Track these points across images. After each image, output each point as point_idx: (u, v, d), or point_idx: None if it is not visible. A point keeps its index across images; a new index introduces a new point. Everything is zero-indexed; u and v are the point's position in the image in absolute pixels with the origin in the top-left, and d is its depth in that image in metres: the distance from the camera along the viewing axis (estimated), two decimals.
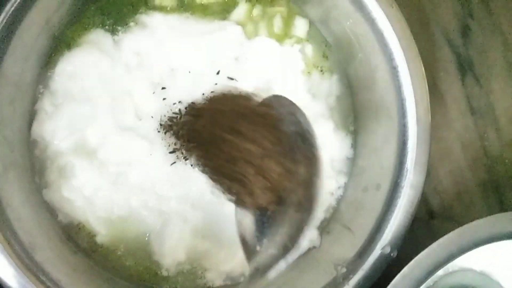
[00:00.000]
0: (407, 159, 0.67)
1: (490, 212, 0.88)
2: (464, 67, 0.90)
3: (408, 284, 0.63)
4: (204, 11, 0.77)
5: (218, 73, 0.75)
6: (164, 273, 0.75)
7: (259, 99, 0.58)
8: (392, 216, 0.67)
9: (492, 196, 0.89)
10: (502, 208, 0.89)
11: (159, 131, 0.71)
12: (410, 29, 0.69)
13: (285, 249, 0.56)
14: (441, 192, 0.89)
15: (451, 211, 0.89)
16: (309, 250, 0.77)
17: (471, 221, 0.66)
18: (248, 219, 0.58)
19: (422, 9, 0.89)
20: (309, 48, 0.79)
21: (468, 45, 0.90)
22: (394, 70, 0.68)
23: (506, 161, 0.90)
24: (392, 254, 0.67)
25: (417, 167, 0.67)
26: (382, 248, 0.67)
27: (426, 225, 0.90)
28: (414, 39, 0.69)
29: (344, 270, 0.68)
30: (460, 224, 0.66)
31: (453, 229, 0.66)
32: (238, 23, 0.77)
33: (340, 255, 0.71)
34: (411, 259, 0.65)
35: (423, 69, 0.68)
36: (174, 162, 0.72)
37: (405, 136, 0.68)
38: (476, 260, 0.68)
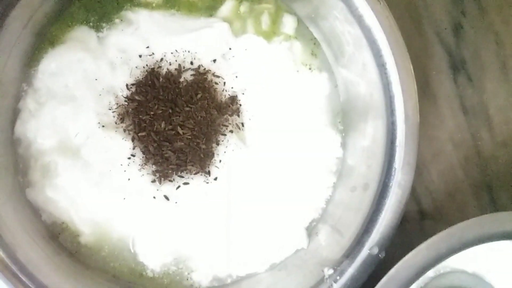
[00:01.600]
0: (395, 158, 0.66)
1: (483, 212, 0.88)
2: (457, 65, 0.89)
3: (395, 286, 0.62)
4: (191, 8, 0.76)
5: (204, 70, 0.74)
6: (150, 274, 0.74)
7: None
8: (380, 216, 0.66)
9: (484, 196, 0.88)
10: (495, 208, 0.88)
11: None
12: (402, 27, 0.68)
13: None
14: (433, 192, 0.88)
15: (443, 211, 0.88)
16: (297, 251, 0.76)
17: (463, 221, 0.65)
18: None
19: (413, 7, 0.88)
20: (297, 46, 0.78)
21: (461, 43, 0.89)
22: (382, 67, 0.67)
23: (499, 160, 0.89)
24: (380, 255, 0.66)
25: (406, 166, 0.66)
26: (370, 249, 0.66)
27: (418, 225, 0.89)
28: (405, 37, 0.68)
29: (332, 271, 0.68)
30: (452, 224, 0.65)
31: (445, 229, 0.65)
32: (225, 20, 0.76)
33: (327, 256, 0.70)
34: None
35: (411, 66, 0.67)
36: (154, 181, 0.72)
37: (393, 135, 0.67)
38: (468, 261, 0.67)
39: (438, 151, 0.88)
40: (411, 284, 0.63)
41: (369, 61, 0.69)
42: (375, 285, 0.63)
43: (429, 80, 0.88)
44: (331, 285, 0.67)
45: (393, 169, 0.66)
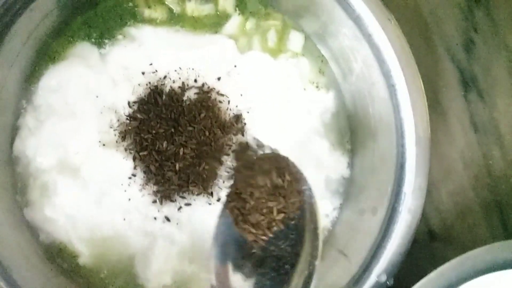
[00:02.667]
0: (405, 183, 0.64)
1: (493, 234, 0.85)
2: (467, 82, 0.87)
3: None
4: (195, 24, 0.75)
5: (208, 88, 0.73)
6: None
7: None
8: (389, 242, 0.64)
9: (495, 217, 0.86)
10: (506, 230, 0.86)
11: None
12: (412, 42, 0.66)
13: None
14: (443, 212, 0.86)
15: (453, 232, 0.86)
16: None
17: (474, 243, 0.64)
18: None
19: (424, 23, 0.86)
20: (304, 63, 0.76)
21: (472, 60, 0.87)
22: (392, 88, 0.65)
23: (510, 180, 0.87)
24: (388, 283, 0.64)
25: (416, 191, 0.64)
26: (378, 276, 0.64)
27: (427, 247, 0.86)
28: (415, 53, 0.66)
29: None
30: (462, 246, 0.63)
31: (455, 252, 0.63)
32: (231, 37, 0.75)
33: (333, 282, 0.67)
34: (411, 284, 0.62)
35: (422, 87, 0.65)
36: (155, 201, 0.70)
37: (403, 158, 0.65)
38: None
39: (448, 170, 0.86)
40: None
41: (379, 80, 0.67)
42: None
43: (439, 96, 0.86)
44: None
45: (403, 194, 0.64)
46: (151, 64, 0.72)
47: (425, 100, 0.64)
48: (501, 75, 0.87)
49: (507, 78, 0.87)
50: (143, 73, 0.72)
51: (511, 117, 0.87)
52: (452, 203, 0.86)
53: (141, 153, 0.69)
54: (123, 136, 0.71)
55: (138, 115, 0.70)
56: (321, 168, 0.75)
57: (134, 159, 0.70)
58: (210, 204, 0.71)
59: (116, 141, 0.71)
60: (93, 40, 0.73)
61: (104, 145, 0.70)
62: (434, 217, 0.86)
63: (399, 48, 0.64)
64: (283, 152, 0.73)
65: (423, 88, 0.65)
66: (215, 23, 0.75)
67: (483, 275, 0.62)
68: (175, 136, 0.69)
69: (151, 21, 0.74)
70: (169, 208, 0.71)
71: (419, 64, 0.66)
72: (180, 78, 0.72)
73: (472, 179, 0.86)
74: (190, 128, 0.69)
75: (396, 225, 0.64)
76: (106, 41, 0.73)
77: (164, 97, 0.71)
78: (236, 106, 0.73)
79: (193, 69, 0.73)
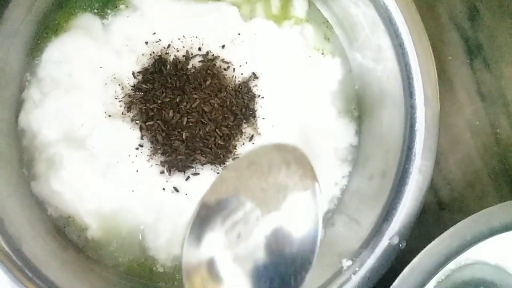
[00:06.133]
0: (415, 143, 0.63)
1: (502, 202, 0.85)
2: (473, 51, 0.86)
3: (417, 277, 0.59)
4: None
5: (213, 56, 0.72)
6: (160, 269, 0.71)
7: None
8: (400, 204, 0.63)
9: (504, 185, 0.85)
10: None
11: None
12: None
13: None
14: (451, 182, 0.85)
15: (461, 201, 0.85)
16: None
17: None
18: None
19: None
20: (309, 30, 0.75)
21: (477, 28, 0.86)
22: (399, 47, 0.64)
23: None
24: (400, 245, 0.63)
25: (426, 151, 0.63)
26: (390, 239, 0.63)
27: (436, 217, 0.86)
28: None
29: (350, 262, 0.64)
30: (471, 215, 0.62)
31: None
32: (234, 4, 0.74)
33: (345, 247, 0.67)
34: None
35: (429, 45, 0.64)
36: (163, 172, 0.70)
37: (413, 119, 0.64)
38: (490, 252, 0.64)
39: (455, 139, 0.85)
40: (434, 275, 0.60)
41: (385, 42, 0.66)
42: (392, 277, 0.60)
43: (444, 66, 0.85)
44: (350, 276, 0.64)
45: (413, 155, 0.63)
46: (154, 33, 0.72)
47: (432, 58, 0.64)
48: (506, 42, 0.86)
49: None
50: (146, 43, 0.72)
51: None
52: (461, 173, 0.85)
53: (147, 123, 0.69)
54: (129, 106, 0.70)
55: (143, 85, 0.70)
56: (328, 137, 0.75)
57: (140, 129, 0.70)
58: (218, 173, 0.71)
59: (122, 112, 0.70)
60: (95, 10, 0.73)
61: (109, 116, 0.69)
62: (442, 187, 0.85)
63: (405, 6, 0.63)
64: (289, 124, 0.72)
65: (430, 45, 0.64)
66: None
67: (496, 235, 0.62)
68: (181, 105, 0.69)
69: None
70: (177, 179, 0.70)
71: None
72: (184, 47, 0.72)
73: (480, 148, 0.86)
74: (196, 96, 0.69)
75: (407, 186, 0.63)
76: (109, 11, 0.73)
77: (168, 66, 0.70)
78: (241, 74, 0.73)
79: (196, 37, 0.72)
